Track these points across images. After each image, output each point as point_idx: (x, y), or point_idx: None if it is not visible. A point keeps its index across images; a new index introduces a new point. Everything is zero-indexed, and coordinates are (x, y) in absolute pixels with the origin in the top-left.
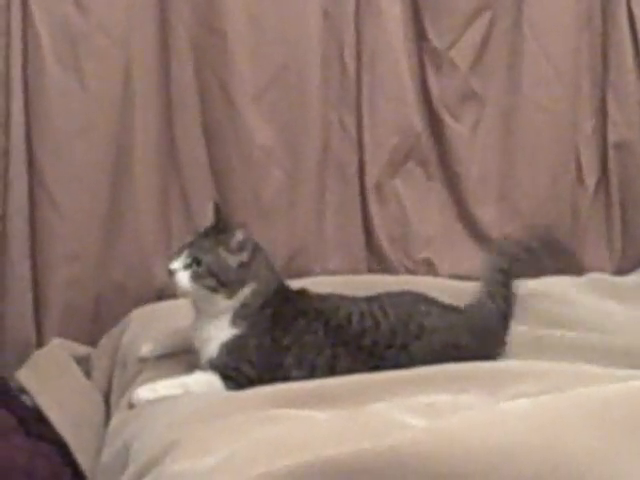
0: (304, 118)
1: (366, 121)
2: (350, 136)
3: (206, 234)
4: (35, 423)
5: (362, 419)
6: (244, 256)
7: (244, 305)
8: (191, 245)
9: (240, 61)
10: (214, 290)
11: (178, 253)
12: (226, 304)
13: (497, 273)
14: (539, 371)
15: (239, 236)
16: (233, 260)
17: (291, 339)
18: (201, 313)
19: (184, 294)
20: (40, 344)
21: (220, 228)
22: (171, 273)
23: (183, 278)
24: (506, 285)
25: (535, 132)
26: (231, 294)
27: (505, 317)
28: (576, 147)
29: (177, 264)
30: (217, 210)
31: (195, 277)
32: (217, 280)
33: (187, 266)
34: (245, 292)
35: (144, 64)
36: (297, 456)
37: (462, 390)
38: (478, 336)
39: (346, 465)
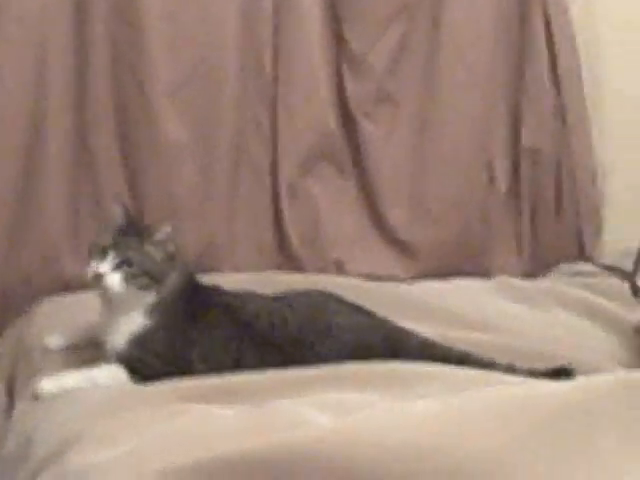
0: (219, 115)
1: (281, 120)
2: (264, 134)
3: (123, 233)
4: None
5: (268, 415)
6: (170, 248)
7: (162, 297)
8: (115, 246)
9: (156, 57)
10: (146, 287)
11: (100, 255)
12: (151, 298)
13: None
14: (446, 373)
15: (167, 230)
16: (158, 254)
17: (199, 333)
18: (114, 306)
19: (115, 296)
20: None
21: (134, 225)
22: (98, 276)
23: (114, 280)
24: None
25: (449, 136)
26: (160, 288)
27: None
28: (489, 151)
29: (105, 267)
30: (126, 209)
31: (127, 278)
32: (150, 277)
33: (116, 267)
34: (168, 284)
35: (59, 56)
36: (200, 451)
37: (370, 389)
38: (389, 342)
39: (248, 461)
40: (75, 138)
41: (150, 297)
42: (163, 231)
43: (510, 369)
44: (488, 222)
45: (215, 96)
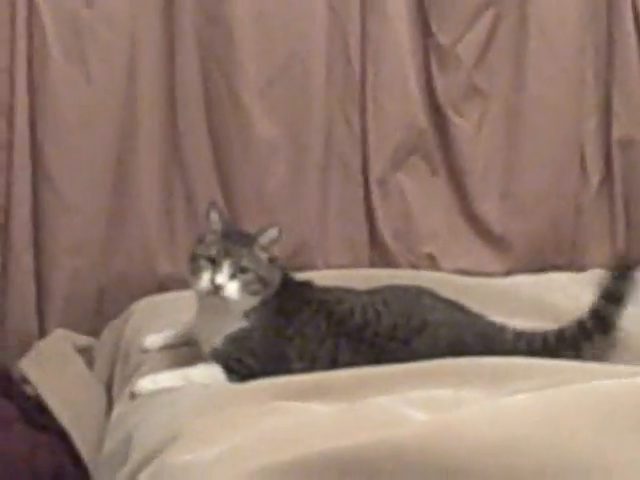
0: (308, 112)
1: (370, 116)
2: (354, 131)
3: (228, 239)
4: (37, 413)
5: (363, 412)
6: (273, 252)
7: (263, 300)
8: (228, 255)
9: (245, 55)
10: (257, 293)
11: (212, 266)
12: (254, 300)
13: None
14: (542, 367)
15: (273, 233)
16: (266, 258)
17: (294, 330)
18: (217, 309)
19: (232, 304)
20: (43, 335)
21: (235, 230)
22: (217, 287)
23: (233, 290)
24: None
25: (539, 128)
26: (269, 292)
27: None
28: (580, 144)
29: (222, 277)
30: (221, 214)
31: (244, 286)
32: (263, 283)
33: (232, 276)
34: (272, 287)
35: (149, 57)
36: (298, 449)
37: (464, 385)
38: (484, 338)
39: (347, 458)
40: (166, 139)
41: (253, 300)
42: (269, 234)
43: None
44: (581, 215)
45: (304, 94)
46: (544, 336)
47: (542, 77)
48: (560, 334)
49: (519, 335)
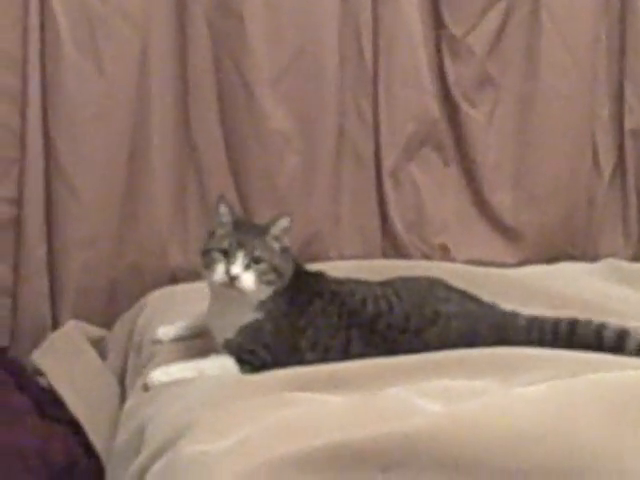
0: (320, 103)
1: (382, 106)
2: (366, 121)
3: (240, 231)
4: (50, 405)
5: (377, 403)
6: (285, 241)
7: (276, 291)
8: (241, 246)
9: (257, 45)
10: (272, 283)
11: (225, 258)
12: (268, 291)
13: None
14: (555, 357)
15: (284, 223)
16: (279, 248)
17: (306, 321)
18: (228, 299)
19: (249, 295)
20: (56, 326)
21: (245, 222)
22: (233, 279)
23: (249, 280)
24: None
25: (551, 118)
26: (283, 282)
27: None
28: (592, 134)
29: (237, 268)
30: (230, 207)
31: (259, 276)
32: (277, 273)
33: (247, 267)
34: (285, 277)
35: (161, 48)
36: (312, 440)
37: (478, 375)
38: (497, 328)
39: (359, 449)
40: (179, 131)
41: (268, 290)
42: (281, 224)
43: (622, 336)
44: (593, 205)
45: (316, 85)
46: (555, 328)
47: (554, 67)
48: (574, 323)
49: (532, 322)
